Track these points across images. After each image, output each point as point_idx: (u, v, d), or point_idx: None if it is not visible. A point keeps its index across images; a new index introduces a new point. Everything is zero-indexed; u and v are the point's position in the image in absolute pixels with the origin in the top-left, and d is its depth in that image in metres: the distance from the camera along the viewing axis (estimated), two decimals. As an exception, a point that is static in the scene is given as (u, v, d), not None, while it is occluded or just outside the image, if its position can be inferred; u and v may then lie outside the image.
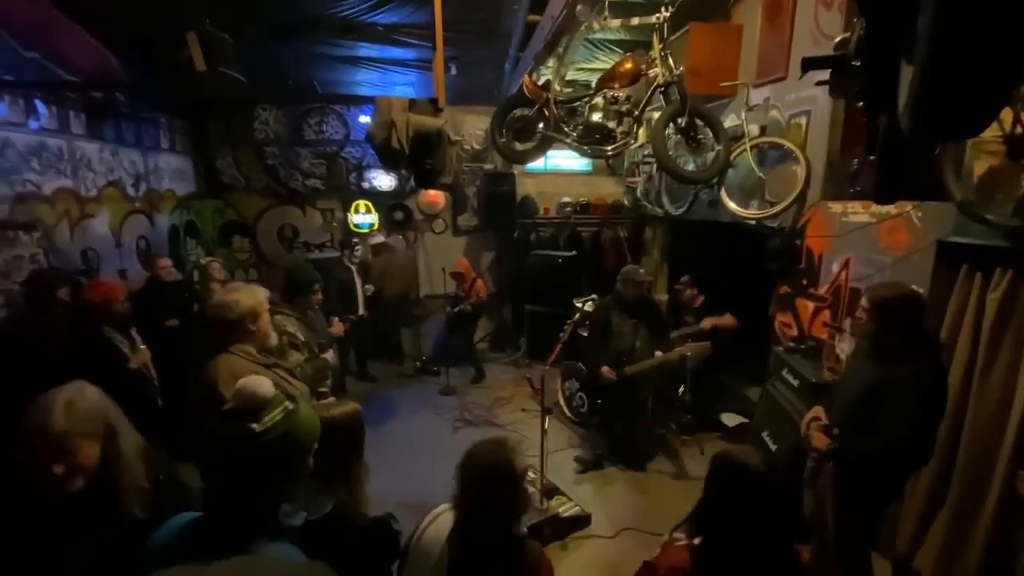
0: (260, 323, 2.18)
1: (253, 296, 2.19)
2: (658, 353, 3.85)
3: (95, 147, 4.47)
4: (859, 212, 3.15)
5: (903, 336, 2.12)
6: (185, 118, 6.07)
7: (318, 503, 1.49)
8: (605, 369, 3.85)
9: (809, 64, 1.90)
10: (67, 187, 4.10)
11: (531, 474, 3.24)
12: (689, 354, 3.82)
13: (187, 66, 3.72)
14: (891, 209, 2.89)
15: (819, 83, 2.06)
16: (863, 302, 2.25)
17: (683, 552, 1.48)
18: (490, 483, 1.44)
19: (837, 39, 1.83)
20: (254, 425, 1.11)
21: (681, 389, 4.43)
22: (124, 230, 4.84)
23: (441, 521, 1.55)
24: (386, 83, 5.73)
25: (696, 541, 1.46)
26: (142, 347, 3.20)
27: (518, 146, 4.22)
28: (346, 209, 6.72)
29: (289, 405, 1.19)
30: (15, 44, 3.52)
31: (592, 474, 4.08)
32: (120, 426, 1.41)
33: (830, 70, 1.82)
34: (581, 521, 3.40)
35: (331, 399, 2.63)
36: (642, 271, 4.05)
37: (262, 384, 1.17)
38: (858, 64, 1.55)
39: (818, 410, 2.42)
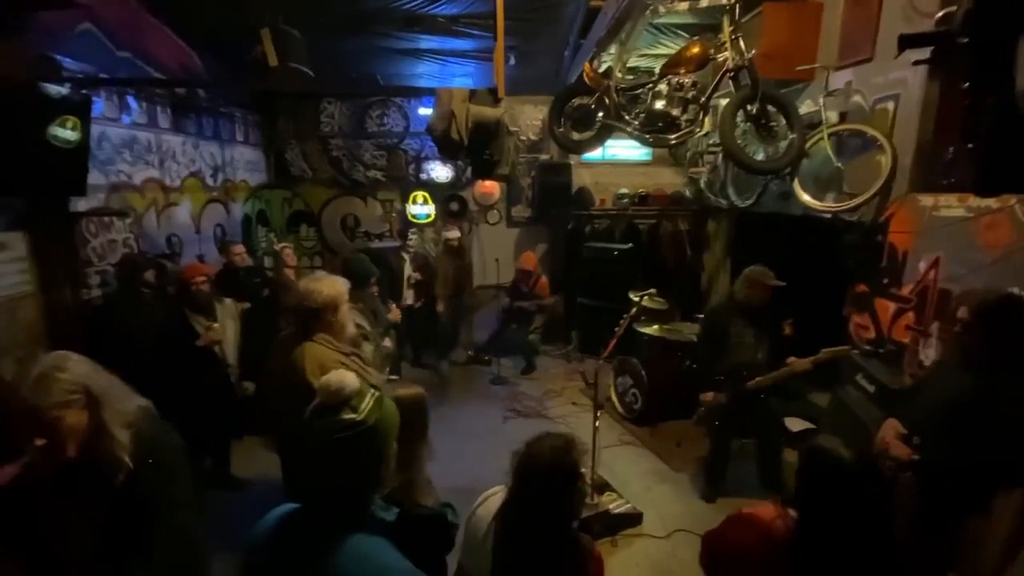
0: (340, 314, 2.25)
1: (334, 287, 2.25)
2: (792, 359, 3.28)
3: (179, 140, 4.80)
4: (953, 206, 2.87)
5: (1008, 350, 1.92)
6: (257, 112, 6.40)
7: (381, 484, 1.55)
8: (709, 395, 3.49)
9: (907, 41, 1.73)
10: (154, 177, 4.43)
11: (582, 469, 3.21)
12: (824, 359, 3.21)
13: (260, 62, 3.92)
14: (992, 203, 2.60)
15: (917, 62, 1.88)
16: (962, 311, 2.05)
17: (778, 514, 1.41)
18: (551, 480, 1.43)
19: (940, 14, 1.66)
20: (353, 415, 1.13)
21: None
22: (203, 218, 5.18)
23: (492, 501, 1.61)
24: (445, 75, 5.79)
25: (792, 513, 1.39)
26: (215, 325, 3.37)
27: (576, 135, 4.15)
28: (404, 200, 6.88)
29: (376, 392, 1.22)
30: (110, 44, 3.82)
31: (644, 473, 3.99)
32: (106, 395, 1.41)
33: (931, 48, 1.65)
34: (632, 519, 3.35)
35: (396, 379, 2.70)
36: (770, 272, 3.40)
37: (348, 377, 1.20)
38: (965, 41, 1.39)
39: (894, 422, 2.24)
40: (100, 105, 3.74)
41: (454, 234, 6.12)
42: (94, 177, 3.54)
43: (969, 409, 1.95)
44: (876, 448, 2.22)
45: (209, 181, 5.33)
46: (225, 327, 3.50)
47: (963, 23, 1.43)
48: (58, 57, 3.34)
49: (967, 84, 1.45)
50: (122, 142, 4.03)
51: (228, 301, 3.66)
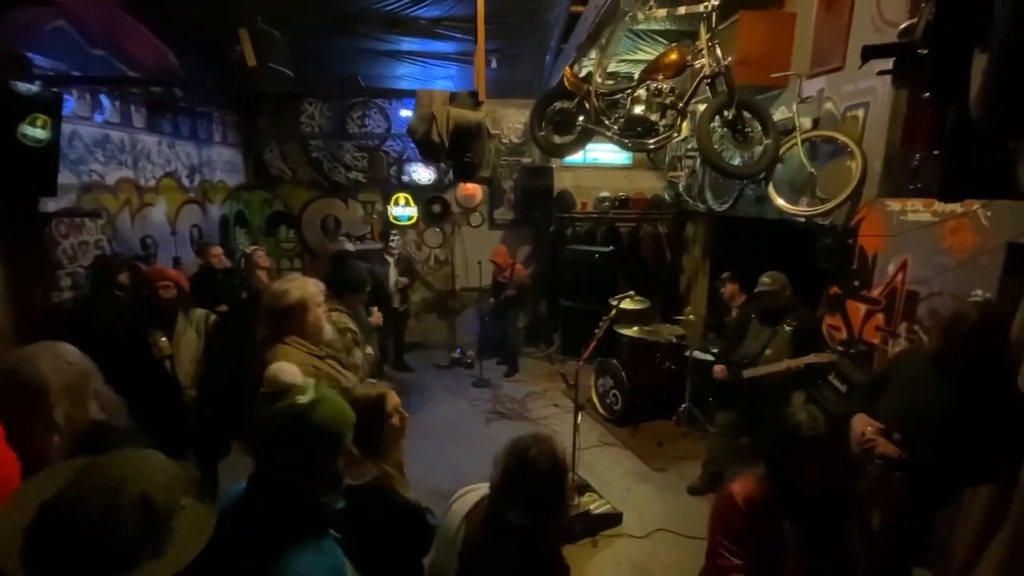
0: (310, 315, 2.21)
1: (304, 288, 2.22)
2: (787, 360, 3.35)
3: (154, 140, 4.71)
4: (920, 210, 2.97)
5: (983, 358, 1.98)
6: (236, 112, 6.31)
7: (361, 471, 1.56)
8: (718, 367, 3.65)
9: (871, 52, 1.78)
10: (128, 177, 4.34)
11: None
12: (815, 361, 3.29)
13: (239, 62, 3.87)
14: (956, 208, 2.70)
15: (881, 72, 1.94)
16: (940, 319, 2.10)
17: (755, 482, 1.62)
18: (529, 477, 1.44)
19: (902, 25, 1.72)
20: (290, 403, 1.19)
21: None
22: (179, 219, 5.09)
23: (465, 499, 1.61)
24: (427, 77, 5.79)
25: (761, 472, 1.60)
26: (163, 339, 2.88)
27: (557, 139, 4.17)
28: (386, 202, 6.85)
29: (311, 393, 1.24)
30: (83, 42, 3.74)
31: (624, 473, 4.03)
32: (92, 371, 1.49)
33: (894, 59, 1.71)
34: (612, 519, 3.38)
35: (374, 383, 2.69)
36: (766, 279, 3.48)
37: (286, 370, 1.23)
38: (925, 52, 1.45)
39: (864, 417, 2.28)
40: (71, 103, 3.65)
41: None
42: (65, 177, 3.45)
43: (949, 417, 1.99)
44: (857, 446, 2.23)
45: (185, 182, 5.24)
46: (181, 342, 2.95)
47: (923, 35, 1.49)
48: (29, 54, 3.26)
49: (926, 95, 1.51)
50: (94, 141, 3.94)
51: (197, 312, 3.16)
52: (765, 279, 3.46)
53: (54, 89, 3.19)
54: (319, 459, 1.21)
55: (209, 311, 3.24)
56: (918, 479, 2.09)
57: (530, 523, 1.42)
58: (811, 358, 3.24)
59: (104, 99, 4.03)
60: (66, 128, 3.42)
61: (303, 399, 1.20)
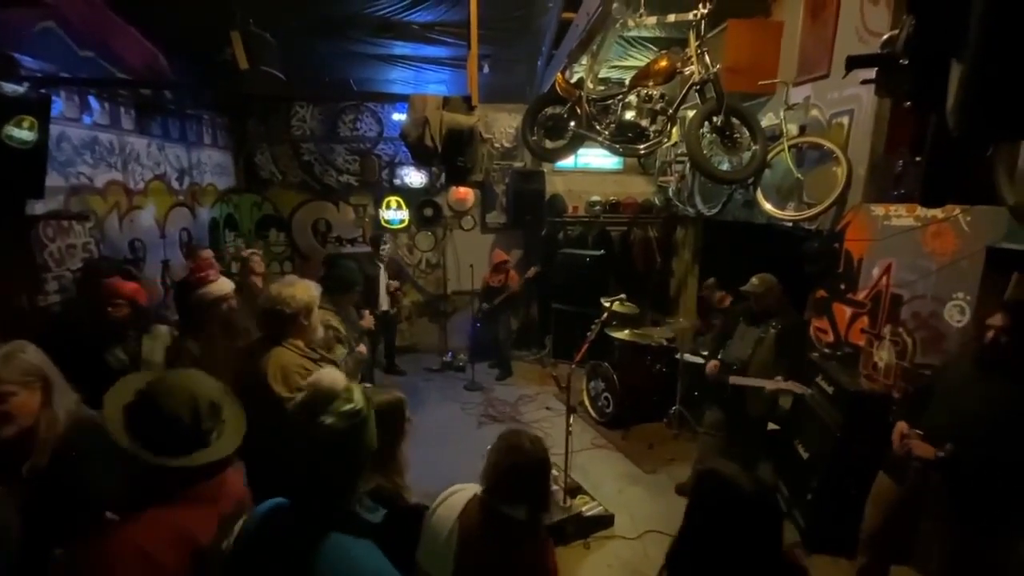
0: (312, 318, 2.24)
1: (308, 292, 2.24)
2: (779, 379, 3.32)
3: (143, 142, 4.66)
4: (903, 215, 3.04)
5: None
6: (226, 114, 6.27)
7: (366, 478, 1.55)
8: (711, 364, 3.63)
9: (854, 63, 1.84)
10: (117, 180, 4.29)
11: (554, 472, 3.24)
12: (788, 389, 3.31)
13: (230, 64, 3.86)
14: (937, 213, 2.78)
15: (865, 82, 2.00)
16: (997, 318, 2.04)
17: None
18: (524, 470, 1.47)
19: (884, 36, 1.77)
20: (352, 405, 1.16)
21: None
22: (168, 222, 5.04)
23: (453, 500, 1.60)
24: (419, 81, 5.81)
25: None
26: (123, 358, 2.69)
27: (549, 144, 4.21)
28: (378, 205, 6.84)
29: (359, 399, 1.22)
30: (71, 43, 3.71)
31: (616, 476, 4.05)
32: (56, 385, 1.51)
33: (876, 69, 1.76)
34: (604, 521, 3.40)
35: (370, 387, 2.69)
36: (755, 280, 3.49)
37: (336, 375, 1.22)
38: (906, 62, 1.49)
39: (903, 425, 2.28)
40: (60, 105, 3.62)
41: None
42: (52, 179, 3.41)
43: (1011, 409, 1.98)
44: (895, 451, 2.25)
45: (175, 184, 5.19)
46: (153, 364, 2.76)
47: (904, 46, 1.54)
48: (16, 55, 3.22)
49: (908, 104, 1.56)
50: (83, 143, 3.90)
51: (163, 329, 2.96)
52: (754, 280, 3.51)
53: (42, 90, 3.16)
54: (366, 461, 1.22)
55: (172, 328, 3.07)
56: (964, 479, 2.07)
57: (530, 515, 1.44)
58: (788, 385, 3.27)
59: (93, 101, 4.00)
60: (54, 130, 3.38)
61: (360, 400, 1.18)
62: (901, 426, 2.29)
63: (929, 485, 2.20)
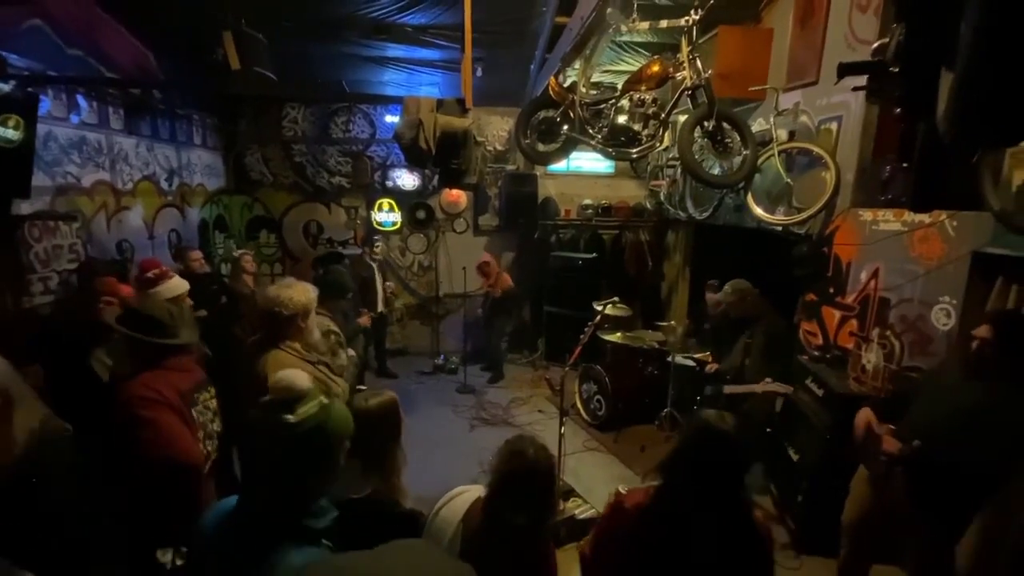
0: (309, 321, 2.24)
1: (306, 294, 2.24)
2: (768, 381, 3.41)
3: (132, 142, 4.61)
4: (890, 220, 3.09)
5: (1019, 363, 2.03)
6: (217, 115, 6.22)
7: (359, 484, 1.55)
8: (710, 365, 3.73)
9: (846, 70, 1.87)
10: (105, 180, 4.23)
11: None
12: (773, 390, 3.41)
13: (222, 64, 3.83)
14: (924, 218, 2.82)
15: (856, 88, 2.03)
16: (981, 329, 2.10)
17: (648, 491, 1.58)
18: (526, 477, 1.47)
19: (875, 44, 1.80)
20: (289, 416, 1.14)
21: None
22: (157, 223, 4.98)
23: (456, 502, 1.60)
24: (412, 83, 5.80)
25: (656, 483, 1.57)
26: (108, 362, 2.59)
27: (542, 147, 4.23)
28: (370, 207, 6.81)
29: (324, 399, 1.21)
30: (59, 41, 3.66)
31: (608, 478, 4.06)
32: (20, 399, 1.43)
33: (867, 76, 1.79)
34: (597, 523, 3.40)
35: (366, 390, 2.67)
36: (727, 288, 3.60)
37: (299, 377, 1.20)
38: (896, 70, 1.52)
39: (867, 411, 2.35)
40: (47, 104, 3.57)
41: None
42: (39, 179, 3.36)
43: (981, 415, 2.03)
44: (857, 439, 2.32)
45: (164, 185, 5.13)
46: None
47: (895, 53, 1.57)
48: (3, 53, 3.17)
49: (898, 110, 1.58)
50: (70, 143, 3.85)
51: None
52: (727, 289, 3.56)
53: (29, 89, 3.12)
54: (323, 472, 1.20)
55: None
56: (920, 476, 2.13)
57: (532, 522, 1.44)
58: (775, 386, 3.36)
59: (81, 100, 3.94)
60: (41, 129, 3.34)
61: (313, 408, 1.16)
62: (866, 413, 2.34)
63: (895, 482, 2.24)
